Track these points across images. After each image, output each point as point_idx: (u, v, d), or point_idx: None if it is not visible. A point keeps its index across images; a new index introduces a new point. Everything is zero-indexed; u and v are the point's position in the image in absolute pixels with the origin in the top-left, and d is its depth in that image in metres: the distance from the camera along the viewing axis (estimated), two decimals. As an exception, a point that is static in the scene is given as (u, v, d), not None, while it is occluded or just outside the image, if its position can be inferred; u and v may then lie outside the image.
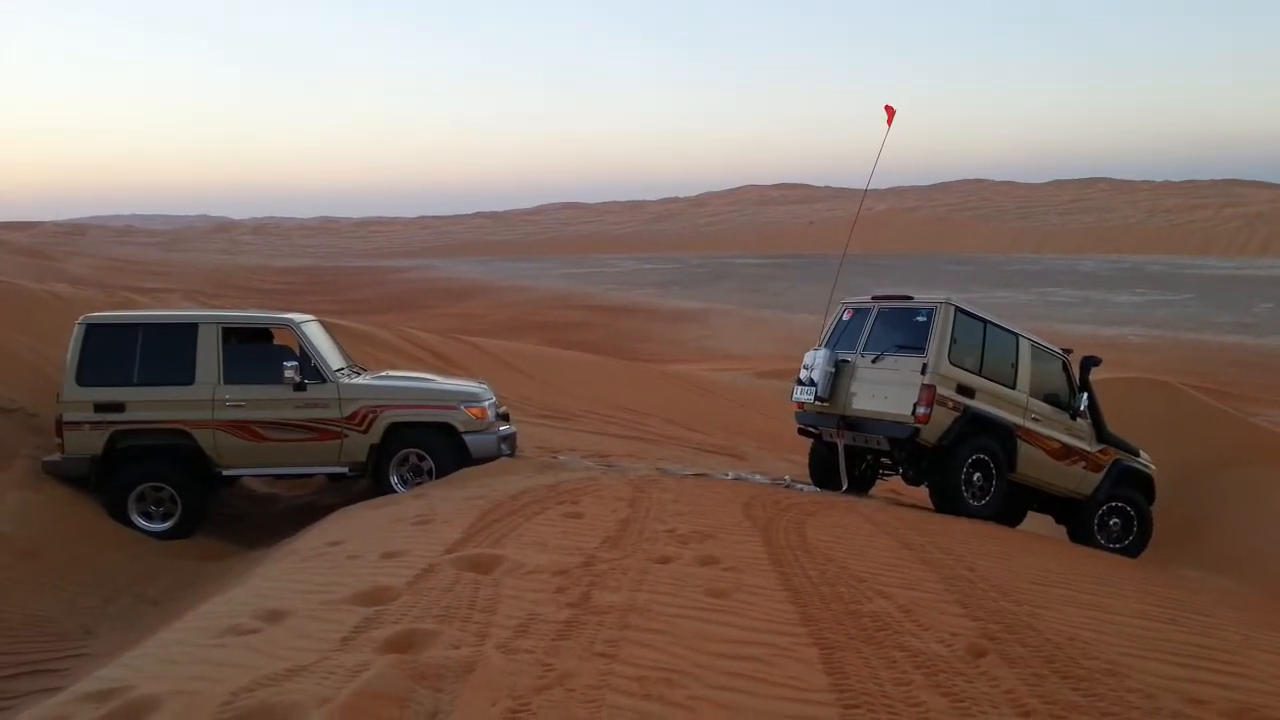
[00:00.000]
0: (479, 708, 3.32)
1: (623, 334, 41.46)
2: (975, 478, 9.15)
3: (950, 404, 9.03)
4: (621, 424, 16.43)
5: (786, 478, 10.97)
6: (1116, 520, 10.17)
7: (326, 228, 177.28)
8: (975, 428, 9.15)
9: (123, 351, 8.45)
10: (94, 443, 8.32)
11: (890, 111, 11.28)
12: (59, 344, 9.13)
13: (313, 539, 6.76)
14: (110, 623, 6.43)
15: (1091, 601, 5.72)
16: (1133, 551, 10.02)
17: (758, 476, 10.84)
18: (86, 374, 8.34)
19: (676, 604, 4.68)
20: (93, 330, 8.46)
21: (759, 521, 7.00)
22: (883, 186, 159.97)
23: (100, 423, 8.32)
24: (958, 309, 9.29)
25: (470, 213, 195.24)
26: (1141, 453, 10.46)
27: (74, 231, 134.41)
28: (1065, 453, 9.79)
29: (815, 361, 9.79)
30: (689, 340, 40.45)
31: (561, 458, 10.49)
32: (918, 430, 8.97)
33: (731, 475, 10.57)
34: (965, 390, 9.15)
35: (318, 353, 8.80)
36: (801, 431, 10.41)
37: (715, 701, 3.51)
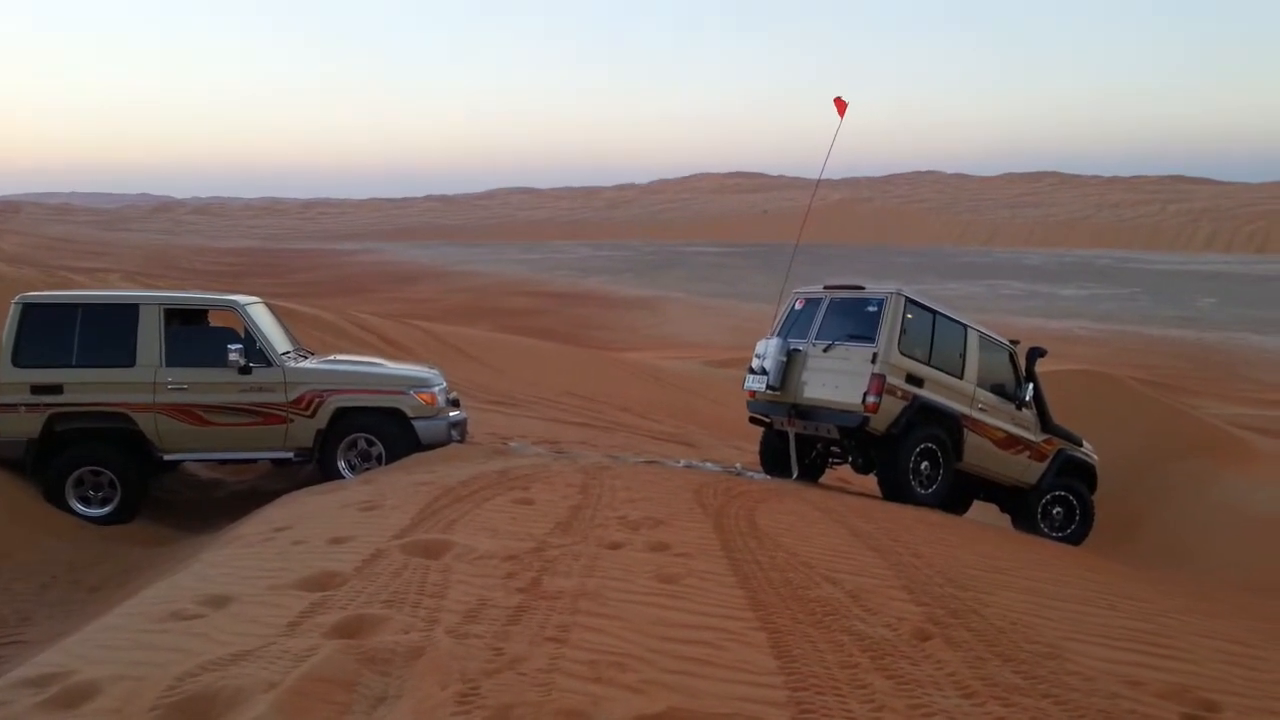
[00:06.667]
0: (428, 691, 3.30)
1: (575, 321, 41.36)
2: (923, 466, 9.28)
3: (899, 393, 9.14)
4: (573, 411, 16.41)
5: (737, 465, 11.03)
6: (1059, 509, 10.38)
7: (272, 208, 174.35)
8: (923, 417, 9.28)
9: (61, 332, 8.24)
10: (31, 425, 8.11)
11: (840, 104, 11.36)
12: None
13: (258, 524, 6.66)
14: (47, 609, 6.28)
15: (1034, 588, 5.83)
16: (1075, 539, 10.24)
17: (709, 464, 10.89)
18: (23, 354, 8.13)
19: (627, 589, 4.69)
20: (30, 310, 8.24)
21: (710, 508, 7.03)
22: (836, 177, 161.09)
23: (37, 405, 8.11)
24: (908, 299, 9.39)
25: (420, 196, 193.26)
26: (1084, 443, 10.68)
27: (8, 209, 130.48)
28: (1010, 442, 9.96)
29: (767, 350, 9.85)
30: (641, 328, 40.47)
31: (512, 444, 10.45)
32: (867, 419, 9.06)
33: (683, 463, 10.60)
34: (914, 380, 9.26)
35: (263, 335, 8.65)
36: (753, 420, 10.48)
37: (665, 685, 3.52)
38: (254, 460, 9.02)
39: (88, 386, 8.23)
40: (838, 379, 9.39)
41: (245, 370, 8.40)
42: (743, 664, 3.83)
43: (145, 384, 8.29)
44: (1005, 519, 10.69)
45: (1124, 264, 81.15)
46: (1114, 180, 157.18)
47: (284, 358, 8.69)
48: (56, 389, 8.16)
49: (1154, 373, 26.89)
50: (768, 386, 9.75)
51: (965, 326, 9.81)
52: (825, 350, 9.58)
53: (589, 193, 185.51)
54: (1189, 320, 44.15)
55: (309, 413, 8.58)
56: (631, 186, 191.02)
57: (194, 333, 8.87)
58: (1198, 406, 20.17)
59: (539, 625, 4.04)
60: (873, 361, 9.11)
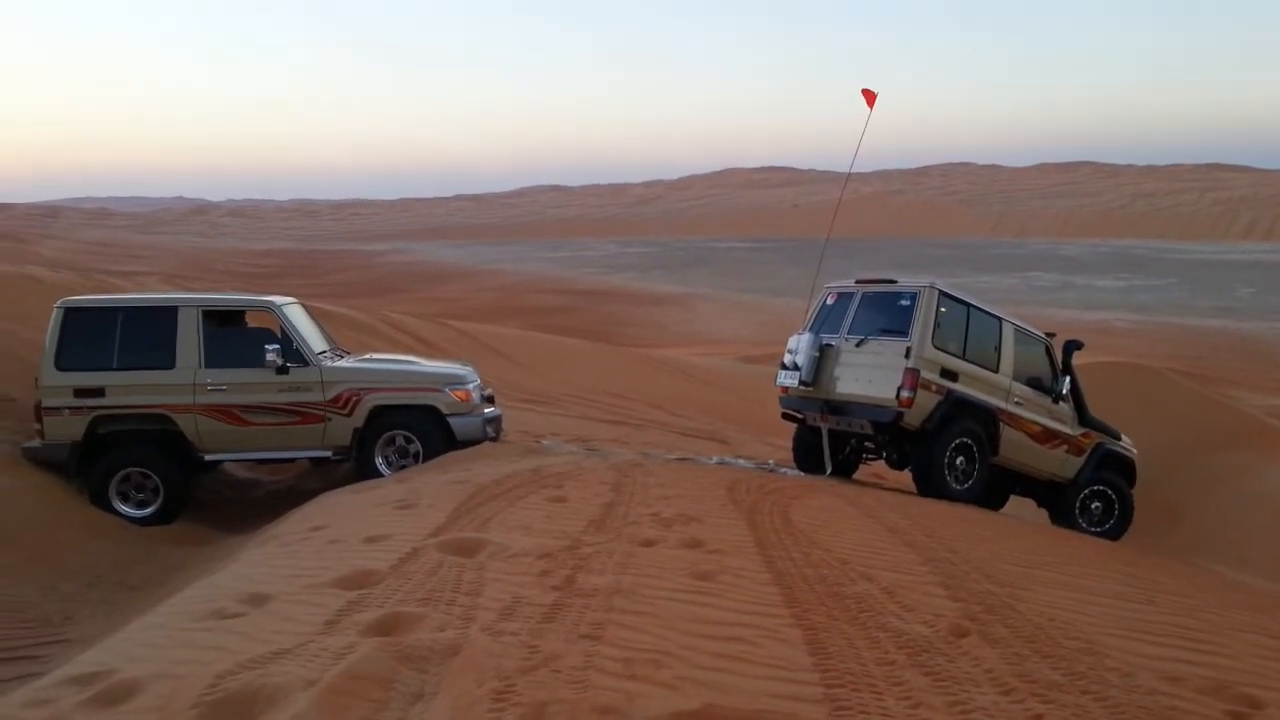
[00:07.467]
0: (465, 689, 3.32)
1: (605, 318, 41.41)
2: (958, 461, 9.20)
3: (934, 387, 9.07)
4: (605, 409, 16.44)
5: (770, 462, 11.01)
6: (1098, 504, 10.25)
7: (305, 210, 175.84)
8: (958, 411, 9.20)
9: (102, 335, 8.38)
10: (74, 428, 8.25)
11: (869, 96, 11.25)
12: (36, 328, 9.04)
13: (295, 524, 6.74)
14: (91, 609, 6.39)
15: (1072, 583, 5.77)
16: (1114, 534, 10.11)
17: (741, 461, 10.88)
18: (66, 358, 8.27)
19: (662, 586, 4.69)
20: (72, 314, 8.38)
21: (743, 505, 7.02)
22: (867, 170, 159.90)
23: (80, 408, 8.25)
24: (941, 293, 9.32)
25: (450, 195, 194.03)
26: (1123, 436, 10.54)
27: (48, 214, 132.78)
28: (1047, 436, 9.85)
29: (799, 346, 9.81)
30: (672, 324, 40.46)
31: (545, 442, 10.49)
32: (901, 414, 9.00)
33: (715, 459, 10.60)
34: (948, 374, 9.18)
35: (300, 335, 8.75)
36: (786, 416, 10.44)
37: (700, 682, 3.52)
38: (292, 459, 9.13)
39: (129, 389, 8.35)
40: (871, 374, 9.33)
41: (283, 370, 8.49)
42: (778, 661, 3.82)
43: (185, 385, 8.41)
44: (1043, 514, 10.58)
45: (1161, 254, 79.95)
46: (1150, 169, 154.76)
47: (320, 357, 8.78)
48: (99, 392, 8.29)
49: (1192, 364, 26.51)
50: (800, 382, 9.70)
51: (1000, 319, 9.71)
52: (858, 345, 9.53)
53: (618, 189, 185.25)
54: (1227, 310, 43.45)
55: (346, 411, 8.66)
56: (660, 183, 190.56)
57: (232, 334, 8.98)
58: (1237, 398, 19.87)
59: (574, 623, 4.06)
60: (906, 356, 9.04)
